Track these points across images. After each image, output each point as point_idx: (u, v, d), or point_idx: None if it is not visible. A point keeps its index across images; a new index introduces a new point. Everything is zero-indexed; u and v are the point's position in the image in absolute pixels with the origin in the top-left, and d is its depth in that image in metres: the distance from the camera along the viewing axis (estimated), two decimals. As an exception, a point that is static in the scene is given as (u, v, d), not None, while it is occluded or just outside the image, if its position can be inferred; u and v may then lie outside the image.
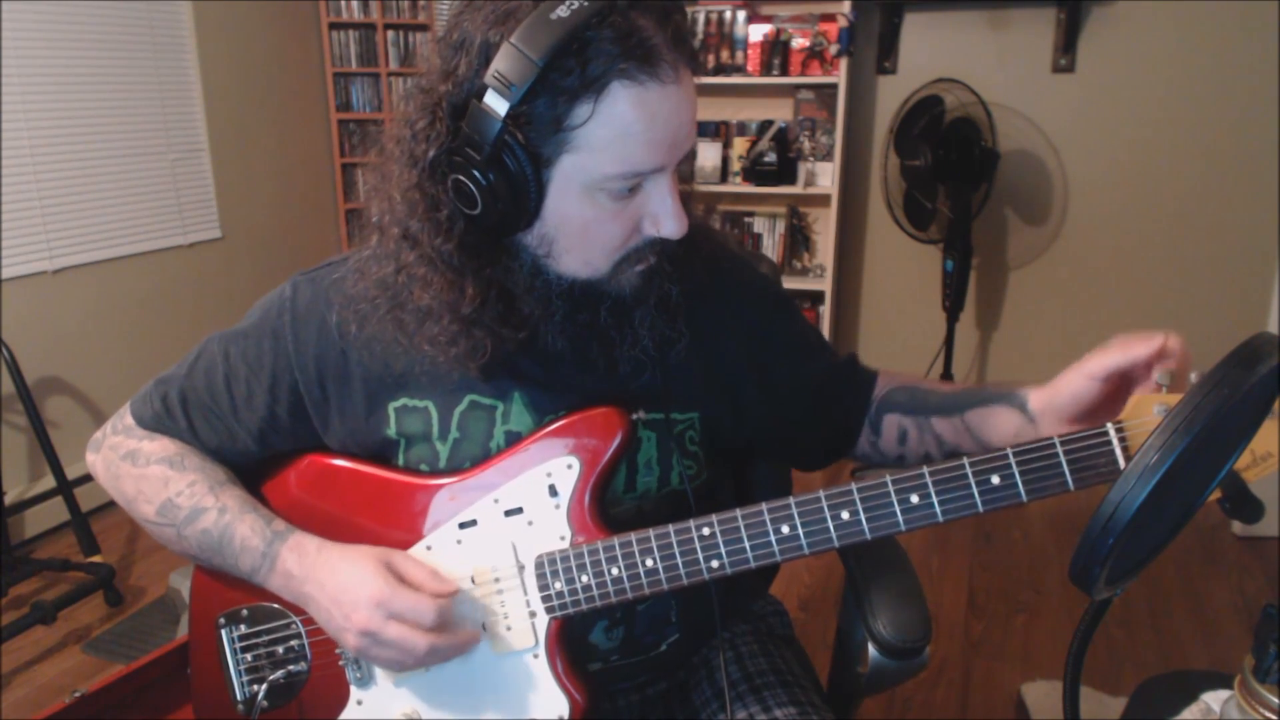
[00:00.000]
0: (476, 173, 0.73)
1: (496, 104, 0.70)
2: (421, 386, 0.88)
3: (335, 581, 0.81)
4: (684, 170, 0.81)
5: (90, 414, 2.94)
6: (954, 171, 2.75)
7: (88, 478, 2.76)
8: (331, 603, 0.81)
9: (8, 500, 2.60)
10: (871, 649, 0.95)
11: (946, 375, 2.99)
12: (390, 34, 3.94)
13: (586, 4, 0.69)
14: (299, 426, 0.91)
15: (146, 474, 0.90)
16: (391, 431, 0.89)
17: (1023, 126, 2.98)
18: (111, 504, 2.95)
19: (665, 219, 0.77)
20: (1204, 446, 0.63)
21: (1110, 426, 0.72)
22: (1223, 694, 0.83)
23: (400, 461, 0.90)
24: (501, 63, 0.70)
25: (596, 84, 0.70)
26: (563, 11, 0.68)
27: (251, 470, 0.95)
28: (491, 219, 0.76)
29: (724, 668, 0.99)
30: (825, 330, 3.20)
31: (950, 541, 2.66)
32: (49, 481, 2.60)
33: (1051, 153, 2.98)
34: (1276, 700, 0.71)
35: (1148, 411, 0.72)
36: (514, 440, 0.86)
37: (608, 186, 0.74)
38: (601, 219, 0.76)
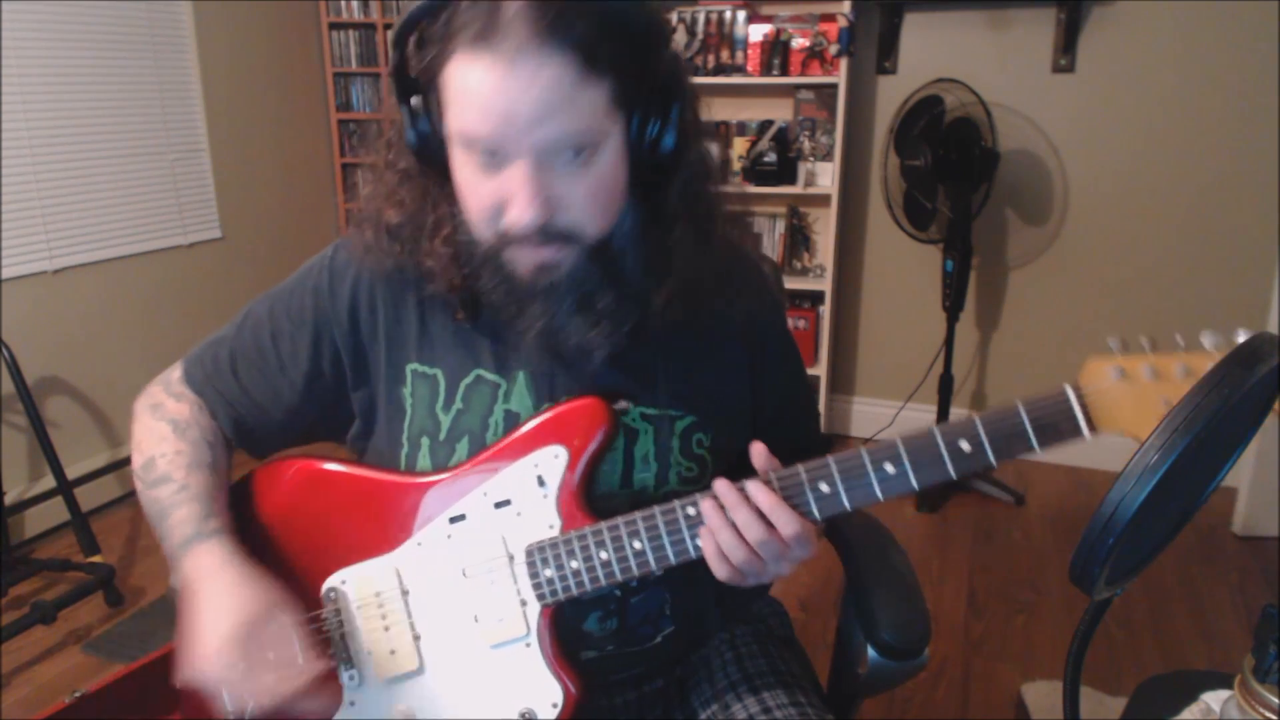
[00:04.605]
0: (404, 106, 0.80)
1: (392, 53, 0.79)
2: (435, 353, 0.90)
3: (200, 620, 0.81)
4: (564, 166, 0.76)
5: (90, 414, 2.94)
6: (954, 171, 2.75)
7: (88, 477, 2.78)
8: (194, 631, 0.81)
9: (8, 500, 2.59)
10: (870, 649, 0.95)
11: (946, 375, 2.99)
12: (390, 34, 3.93)
13: None
14: (340, 382, 0.93)
15: (153, 428, 0.93)
16: (407, 391, 0.91)
17: (1023, 126, 2.98)
18: (111, 504, 2.96)
19: (510, 202, 0.76)
20: (1204, 446, 0.63)
21: (1069, 389, 0.74)
22: (1223, 694, 0.83)
23: (404, 434, 0.91)
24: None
25: (444, 48, 0.74)
26: None
27: (293, 437, 0.97)
28: (420, 159, 0.82)
29: (719, 656, 0.98)
30: (825, 330, 3.20)
31: (950, 542, 2.66)
32: (49, 481, 2.59)
33: (1051, 153, 2.98)
34: (1276, 700, 0.71)
35: (1104, 375, 0.74)
36: (511, 420, 0.88)
37: (462, 145, 0.77)
38: (472, 181, 0.79)
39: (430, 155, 0.82)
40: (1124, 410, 0.73)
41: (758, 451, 0.80)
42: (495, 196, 0.77)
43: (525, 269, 0.80)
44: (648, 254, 0.84)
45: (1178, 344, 0.73)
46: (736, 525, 0.78)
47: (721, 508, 0.79)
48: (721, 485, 0.79)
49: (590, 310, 0.82)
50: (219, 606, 0.81)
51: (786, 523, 0.77)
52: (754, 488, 0.78)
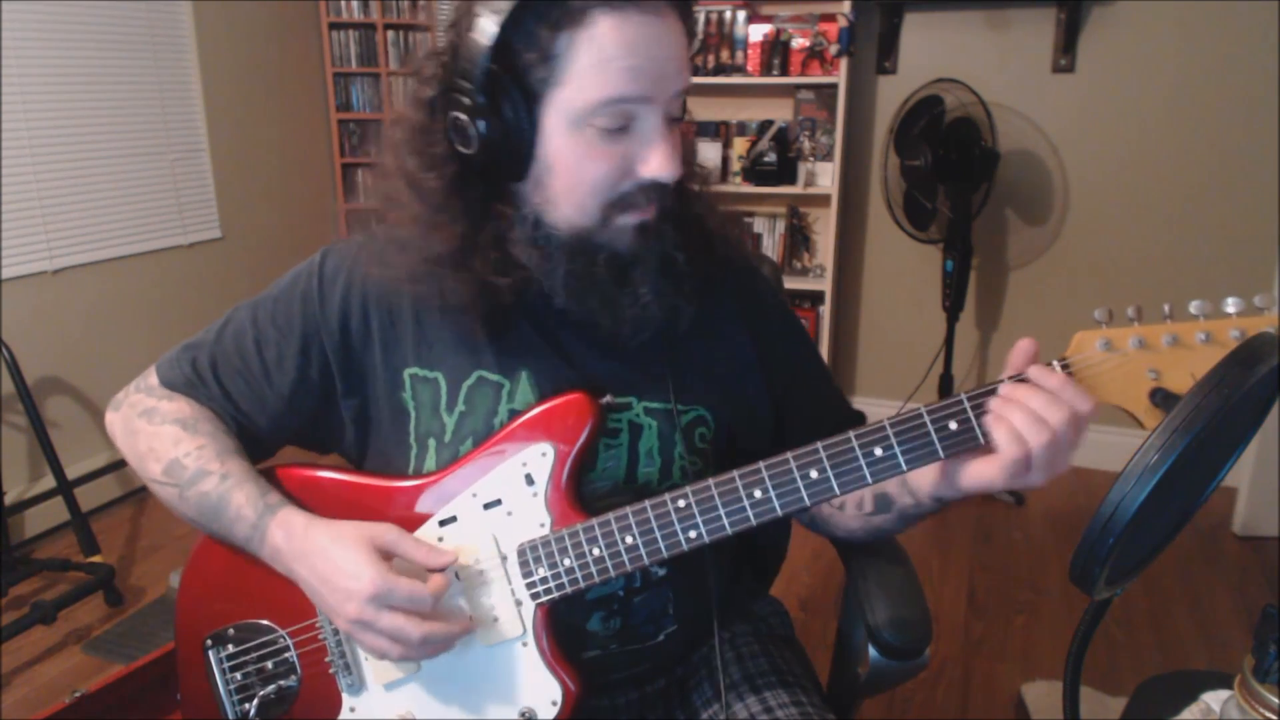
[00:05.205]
0: (468, 101, 0.76)
1: (484, 31, 0.74)
2: (434, 357, 0.90)
3: (325, 566, 0.80)
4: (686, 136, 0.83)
5: (90, 414, 2.94)
6: (954, 171, 2.75)
7: (88, 477, 2.78)
8: (322, 585, 0.80)
9: (8, 500, 2.60)
10: (871, 649, 0.95)
11: (946, 375, 2.99)
12: (390, 34, 3.93)
13: None
14: (329, 389, 0.92)
15: (160, 432, 0.90)
16: (407, 395, 0.90)
17: (1023, 126, 2.98)
18: (111, 504, 2.96)
19: (653, 157, 0.77)
20: (1204, 446, 0.63)
21: (1055, 363, 0.74)
22: (1223, 694, 0.83)
23: (411, 436, 0.90)
24: None
25: (578, 11, 0.73)
26: None
27: (278, 446, 0.96)
28: (487, 158, 0.79)
29: (720, 659, 0.98)
30: (825, 330, 3.20)
31: (950, 542, 2.66)
32: (49, 481, 2.59)
33: (1051, 153, 2.98)
34: (1276, 700, 0.71)
35: (1090, 347, 0.73)
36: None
37: (594, 120, 0.76)
38: (591, 156, 0.78)
39: (508, 150, 0.79)
40: (1112, 382, 0.73)
41: (1020, 349, 0.75)
42: (621, 159, 0.78)
43: (627, 235, 0.81)
44: (679, 226, 0.86)
45: (1164, 313, 0.73)
46: (1037, 410, 0.71)
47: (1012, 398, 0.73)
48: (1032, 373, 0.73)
49: (672, 272, 0.84)
50: (336, 553, 0.80)
51: (1079, 399, 0.71)
52: (1038, 372, 0.72)
